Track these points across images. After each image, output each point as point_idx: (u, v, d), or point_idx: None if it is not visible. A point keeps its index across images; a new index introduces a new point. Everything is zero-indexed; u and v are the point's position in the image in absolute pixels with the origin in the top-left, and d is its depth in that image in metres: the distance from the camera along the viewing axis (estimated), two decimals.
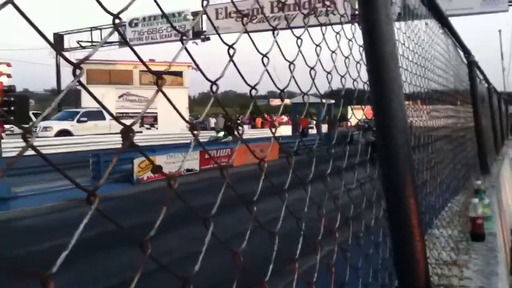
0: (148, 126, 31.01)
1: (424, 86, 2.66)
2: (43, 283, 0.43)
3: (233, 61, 0.79)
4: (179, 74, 33.80)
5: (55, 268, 0.46)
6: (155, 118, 31.34)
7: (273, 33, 0.95)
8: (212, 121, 36.73)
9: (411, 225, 1.51)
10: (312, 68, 1.14)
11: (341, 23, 1.39)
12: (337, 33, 1.35)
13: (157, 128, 30.84)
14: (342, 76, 1.42)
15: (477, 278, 2.35)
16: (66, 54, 32.72)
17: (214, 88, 0.71)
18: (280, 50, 0.96)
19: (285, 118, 41.15)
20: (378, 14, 1.35)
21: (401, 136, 1.47)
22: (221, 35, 0.90)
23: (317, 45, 1.21)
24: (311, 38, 1.17)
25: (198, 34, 27.04)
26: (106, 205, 10.33)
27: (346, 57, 1.43)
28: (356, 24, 1.48)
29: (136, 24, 28.93)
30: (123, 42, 29.36)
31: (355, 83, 1.50)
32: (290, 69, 1.04)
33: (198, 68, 0.72)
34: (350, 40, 1.45)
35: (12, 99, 13.10)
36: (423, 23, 2.84)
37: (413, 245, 1.51)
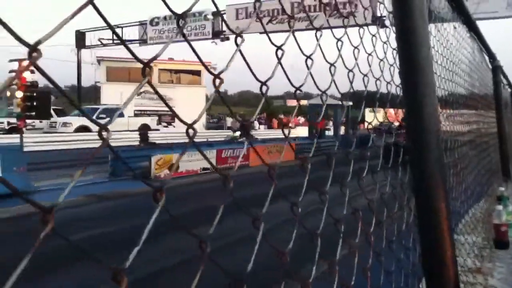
0: (165, 124, 31.27)
1: (451, 90, 2.63)
2: (115, 277, 0.44)
3: (280, 63, 0.79)
4: (197, 73, 34.01)
5: (128, 263, 0.46)
6: (173, 117, 31.62)
7: (316, 34, 0.95)
8: (229, 120, 36.89)
9: (441, 230, 1.50)
10: (350, 71, 1.13)
11: (377, 25, 1.39)
12: (373, 35, 1.34)
13: (174, 126, 31.06)
14: (377, 79, 1.41)
15: (502, 287, 2.32)
16: (87, 51, 33.26)
17: (264, 88, 0.72)
18: (322, 51, 0.96)
19: (301, 119, 41.07)
20: (414, 18, 1.34)
21: (433, 140, 1.46)
22: (243, 36, 0.89)
23: (355, 47, 1.20)
24: (350, 40, 1.17)
25: (218, 34, 27.18)
26: (125, 202, 10.45)
27: (381, 60, 1.43)
28: (385, 26, 1.47)
29: (157, 23, 29.20)
30: (143, 40, 29.69)
31: (388, 86, 1.50)
32: (330, 72, 1.04)
33: (249, 69, 0.72)
34: (384, 43, 1.45)
35: (35, 94, 13.33)
36: (451, 26, 2.81)
37: (443, 251, 1.49)
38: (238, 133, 23.84)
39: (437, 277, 1.46)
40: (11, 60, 14.39)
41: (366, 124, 1.93)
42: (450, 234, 1.50)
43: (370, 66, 1.31)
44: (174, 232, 5.92)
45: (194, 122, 0.57)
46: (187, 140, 0.57)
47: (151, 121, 28.97)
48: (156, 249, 6.16)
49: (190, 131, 0.57)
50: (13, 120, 19.32)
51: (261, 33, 16.74)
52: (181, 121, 0.57)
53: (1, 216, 8.71)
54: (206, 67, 0.68)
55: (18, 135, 14.35)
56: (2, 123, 25.15)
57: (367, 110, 1.67)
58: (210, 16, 26.75)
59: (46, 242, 0.50)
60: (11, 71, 14.25)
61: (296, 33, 0.94)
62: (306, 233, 1.04)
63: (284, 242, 0.99)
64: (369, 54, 1.31)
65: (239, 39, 0.66)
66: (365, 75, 1.29)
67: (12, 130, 21.68)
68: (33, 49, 0.41)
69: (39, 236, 0.41)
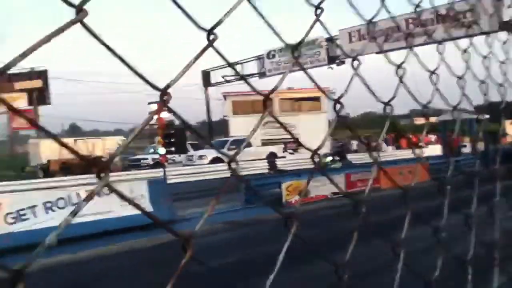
0: (291, 151, 31.78)
1: None
2: None
3: (402, 82, 0.78)
4: (317, 99, 34.29)
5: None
6: (298, 144, 32.03)
7: (437, 48, 0.91)
8: (355, 144, 36.25)
9: None
10: (482, 82, 1.05)
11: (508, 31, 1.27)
12: (504, 42, 1.23)
13: (300, 153, 31.42)
14: None
15: None
16: (213, 88, 36.00)
17: (388, 109, 0.71)
18: (447, 65, 0.92)
19: (432, 138, 38.57)
20: None
21: None
22: (359, 57, 0.88)
23: (484, 57, 1.12)
24: (475, 49, 1.09)
25: (333, 59, 27.31)
26: (261, 228, 10.76)
27: None
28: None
29: (274, 56, 30.43)
30: (262, 73, 31.15)
31: None
32: (458, 85, 0.98)
33: (370, 90, 0.72)
34: None
35: (172, 132, 14.72)
36: None
37: None
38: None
39: None
40: (150, 103, 16.06)
41: (509, 137, 1.75)
42: None
43: (505, 75, 1.19)
44: (310, 258, 5.89)
45: (318, 148, 0.59)
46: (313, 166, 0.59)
47: (278, 149, 29.72)
48: (291, 276, 6.21)
49: (316, 157, 0.59)
50: (156, 156, 21.49)
51: (377, 53, 16.26)
52: (306, 148, 0.59)
53: (149, 244, 9.54)
54: (324, 93, 0.70)
55: (162, 169, 15.84)
56: (147, 159, 28.28)
57: (507, 122, 1.52)
58: (324, 43, 27.01)
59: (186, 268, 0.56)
60: (150, 113, 15.85)
61: (415, 49, 0.91)
62: (449, 258, 0.98)
63: (427, 270, 0.94)
64: (502, 62, 1.20)
65: (355, 62, 0.67)
66: (501, 85, 1.19)
67: (156, 165, 24.05)
68: (164, 93, 0.47)
69: (180, 263, 0.46)
